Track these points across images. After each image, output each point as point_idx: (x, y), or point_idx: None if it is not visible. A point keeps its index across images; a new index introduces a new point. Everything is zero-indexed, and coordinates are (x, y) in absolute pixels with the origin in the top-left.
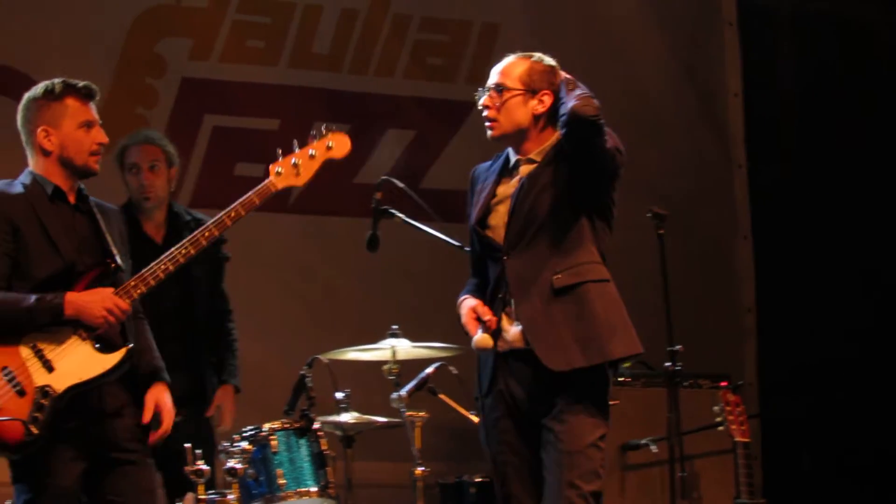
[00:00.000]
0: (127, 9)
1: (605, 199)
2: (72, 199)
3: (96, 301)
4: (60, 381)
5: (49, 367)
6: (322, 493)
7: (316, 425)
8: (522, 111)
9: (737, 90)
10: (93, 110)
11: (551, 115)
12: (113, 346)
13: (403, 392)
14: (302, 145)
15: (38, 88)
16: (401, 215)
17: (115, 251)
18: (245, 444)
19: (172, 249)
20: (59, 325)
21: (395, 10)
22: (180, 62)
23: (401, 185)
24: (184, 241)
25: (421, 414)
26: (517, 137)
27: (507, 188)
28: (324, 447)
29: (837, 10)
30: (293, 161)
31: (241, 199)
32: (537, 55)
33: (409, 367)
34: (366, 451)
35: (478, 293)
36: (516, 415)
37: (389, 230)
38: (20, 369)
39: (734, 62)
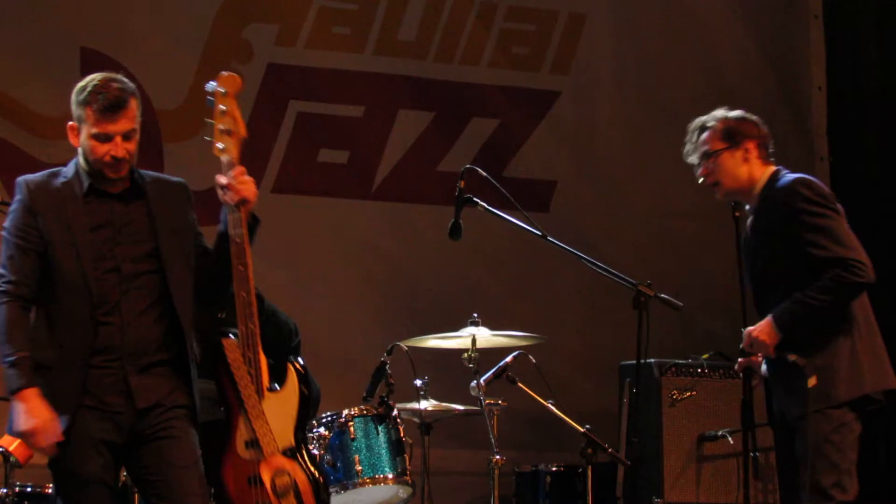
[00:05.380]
0: None
1: None
2: (115, 189)
3: (32, 421)
4: None
5: None
6: (398, 479)
7: (394, 412)
8: None
9: (821, 83)
10: (114, 124)
11: None
12: None
13: (482, 380)
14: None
15: (82, 82)
16: (483, 204)
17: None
18: (323, 430)
19: None
20: None
21: None
22: (266, 48)
23: (483, 173)
24: None
25: (499, 402)
26: None
27: None
28: (402, 434)
29: None
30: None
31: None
32: None
33: (488, 356)
34: (443, 439)
35: None
36: None
37: (472, 218)
38: None
39: (819, 55)
